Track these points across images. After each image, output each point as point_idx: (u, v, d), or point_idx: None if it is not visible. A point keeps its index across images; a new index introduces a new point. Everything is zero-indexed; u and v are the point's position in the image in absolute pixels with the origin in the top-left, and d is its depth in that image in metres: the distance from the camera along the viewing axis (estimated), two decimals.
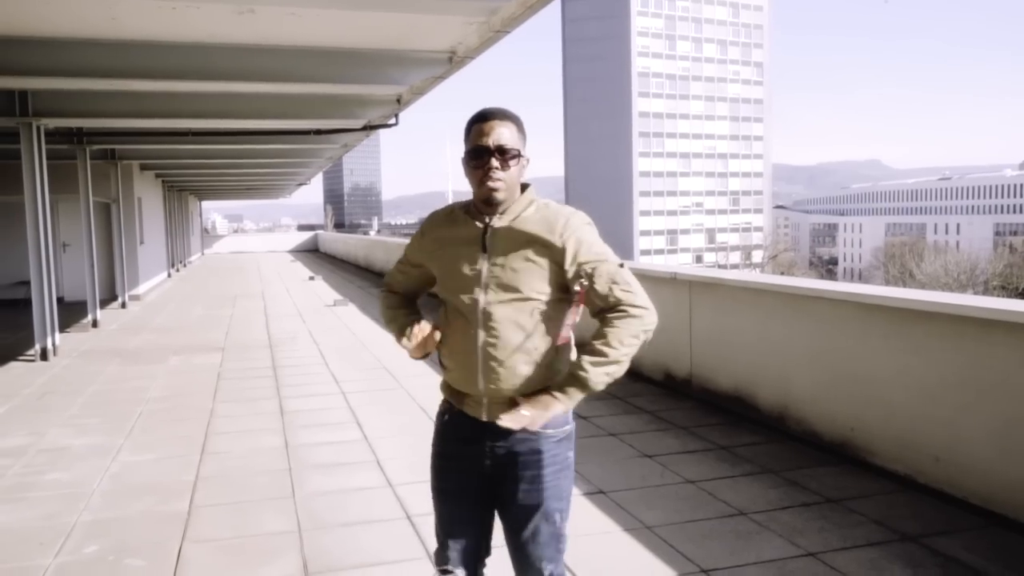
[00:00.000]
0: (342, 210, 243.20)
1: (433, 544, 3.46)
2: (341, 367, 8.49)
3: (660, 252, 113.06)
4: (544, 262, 2.11)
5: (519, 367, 2.13)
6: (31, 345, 9.55)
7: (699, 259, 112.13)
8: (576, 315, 2.15)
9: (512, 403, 2.13)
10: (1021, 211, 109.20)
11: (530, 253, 2.12)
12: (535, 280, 2.11)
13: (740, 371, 6.02)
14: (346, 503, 4.40)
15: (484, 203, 2.16)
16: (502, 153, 2.11)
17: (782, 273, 66.38)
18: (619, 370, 2.10)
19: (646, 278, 7.41)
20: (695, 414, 6.06)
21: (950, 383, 4.22)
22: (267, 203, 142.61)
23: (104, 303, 14.40)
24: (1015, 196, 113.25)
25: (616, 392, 6.71)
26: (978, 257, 60.85)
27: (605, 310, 2.11)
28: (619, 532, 3.88)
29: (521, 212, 2.16)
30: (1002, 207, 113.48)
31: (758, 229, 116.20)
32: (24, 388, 7.79)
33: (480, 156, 2.12)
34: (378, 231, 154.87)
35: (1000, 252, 64.79)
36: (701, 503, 4.23)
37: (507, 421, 2.09)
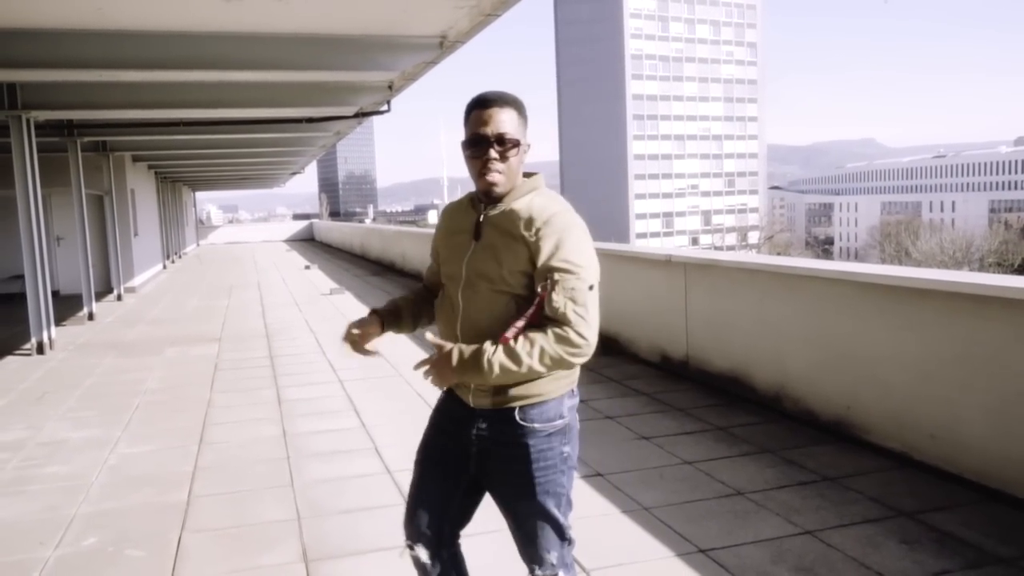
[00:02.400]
0: (337, 198, 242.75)
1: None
2: (338, 355, 8.48)
3: (656, 235, 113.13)
4: (519, 256, 2.03)
5: None
6: (27, 339, 9.54)
7: (695, 241, 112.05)
8: (529, 318, 2.03)
9: (496, 391, 2.09)
10: (1016, 188, 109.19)
11: (509, 244, 2.05)
12: (513, 272, 2.04)
13: (736, 352, 6.03)
14: (345, 490, 4.41)
15: (484, 195, 2.11)
16: (501, 143, 2.03)
17: (778, 254, 66.45)
18: (518, 375, 2.00)
19: (641, 261, 7.44)
20: (692, 396, 6.07)
21: (945, 360, 4.23)
22: (262, 193, 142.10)
23: (99, 296, 14.38)
24: (1010, 173, 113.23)
25: (613, 375, 6.72)
26: (973, 234, 60.97)
27: (551, 320, 1.99)
28: (617, 514, 3.89)
29: (514, 202, 2.09)
30: (997, 184, 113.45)
31: (754, 210, 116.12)
32: (21, 382, 7.79)
33: (478, 145, 2.04)
34: (374, 219, 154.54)
35: (995, 229, 64.88)
36: (699, 484, 4.25)
37: (422, 371, 2.10)
